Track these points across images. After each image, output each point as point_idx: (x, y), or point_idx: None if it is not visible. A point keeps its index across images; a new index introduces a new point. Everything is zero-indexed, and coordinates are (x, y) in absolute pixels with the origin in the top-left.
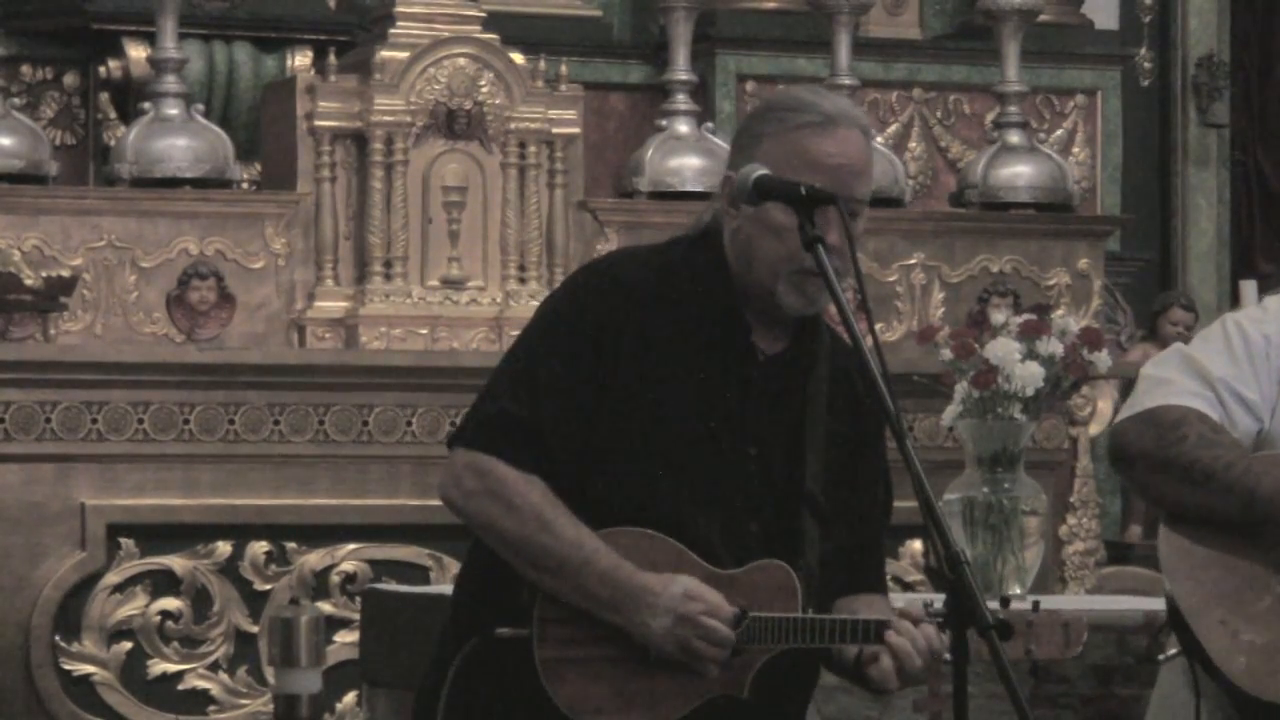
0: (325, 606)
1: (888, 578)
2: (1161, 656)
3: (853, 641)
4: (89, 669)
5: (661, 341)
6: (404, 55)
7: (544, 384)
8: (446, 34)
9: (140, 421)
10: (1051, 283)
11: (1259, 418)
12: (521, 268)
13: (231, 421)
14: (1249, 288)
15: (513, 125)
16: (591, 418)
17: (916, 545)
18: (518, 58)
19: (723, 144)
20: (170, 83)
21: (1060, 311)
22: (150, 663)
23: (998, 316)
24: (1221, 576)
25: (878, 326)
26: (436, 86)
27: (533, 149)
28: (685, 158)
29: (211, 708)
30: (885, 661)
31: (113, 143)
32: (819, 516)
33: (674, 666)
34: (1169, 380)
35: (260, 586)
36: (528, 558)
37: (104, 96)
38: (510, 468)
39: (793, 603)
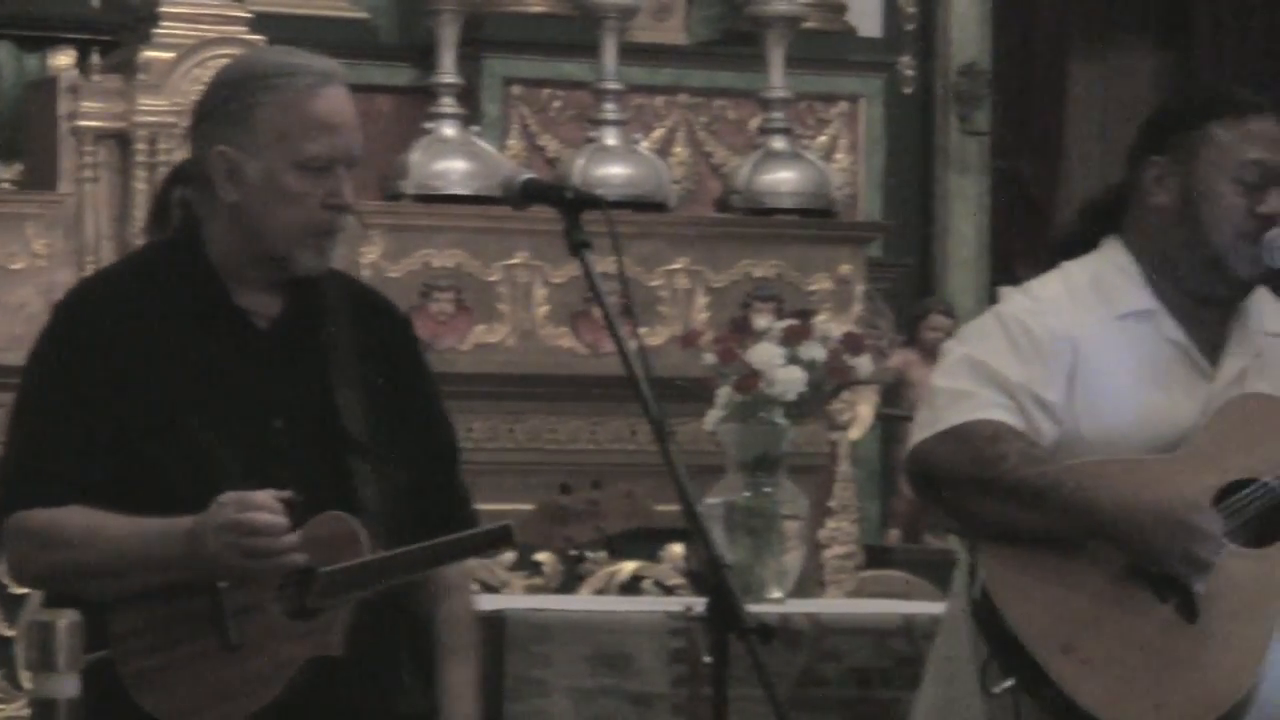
0: None
1: (466, 518)
2: (996, 689)
3: (427, 566)
4: None
5: (154, 341)
6: (169, 55)
7: (49, 424)
8: (212, 34)
9: None
10: (814, 288)
11: (1058, 421)
12: None
13: None
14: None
15: None
16: (114, 437)
17: (678, 549)
18: None
19: (489, 148)
20: None
21: (822, 317)
22: None
23: (760, 321)
24: (1060, 598)
25: (641, 331)
26: (201, 87)
27: None
28: (451, 161)
29: None
30: None
31: None
32: (370, 459)
33: (262, 644)
34: (968, 392)
35: (16, 590)
36: (101, 572)
37: None
38: (44, 510)
39: (358, 549)
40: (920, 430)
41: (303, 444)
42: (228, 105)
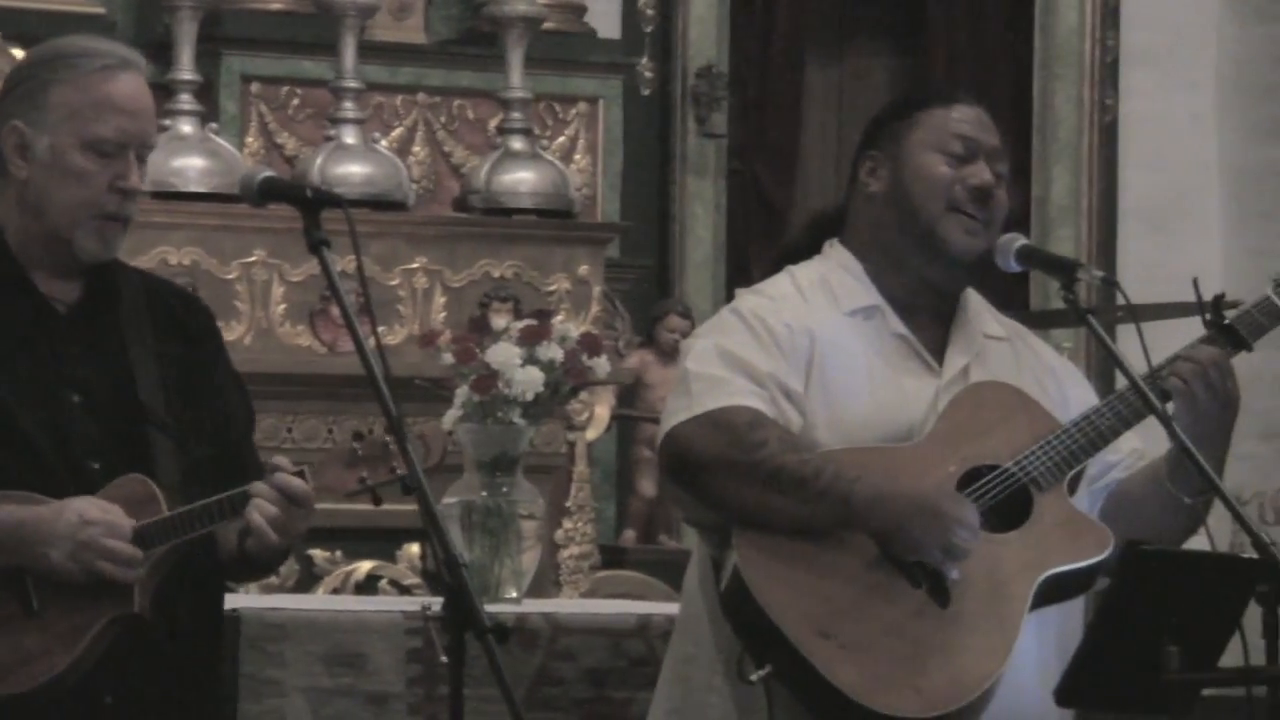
0: None
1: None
2: (753, 677)
3: (229, 515)
4: None
5: None
6: None
7: None
8: None
9: None
10: (552, 289)
11: (802, 411)
12: None
13: None
14: None
15: None
16: None
17: (414, 549)
18: (18, 54)
19: (227, 145)
20: None
21: (560, 317)
22: None
23: (499, 321)
24: (815, 585)
25: (380, 330)
26: None
27: None
28: (189, 158)
29: None
30: (254, 517)
31: None
32: (167, 432)
33: (60, 606)
34: (723, 379)
35: None
36: None
37: None
38: None
39: (158, 507)
40: (675, 415)
41: (101, 419)
42: (25, 83)
